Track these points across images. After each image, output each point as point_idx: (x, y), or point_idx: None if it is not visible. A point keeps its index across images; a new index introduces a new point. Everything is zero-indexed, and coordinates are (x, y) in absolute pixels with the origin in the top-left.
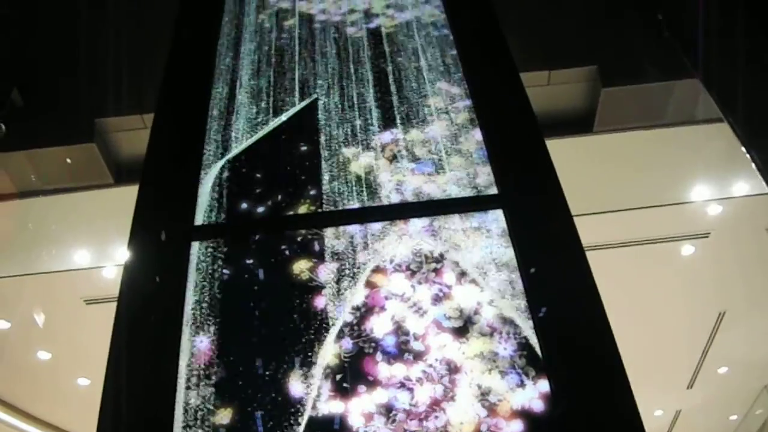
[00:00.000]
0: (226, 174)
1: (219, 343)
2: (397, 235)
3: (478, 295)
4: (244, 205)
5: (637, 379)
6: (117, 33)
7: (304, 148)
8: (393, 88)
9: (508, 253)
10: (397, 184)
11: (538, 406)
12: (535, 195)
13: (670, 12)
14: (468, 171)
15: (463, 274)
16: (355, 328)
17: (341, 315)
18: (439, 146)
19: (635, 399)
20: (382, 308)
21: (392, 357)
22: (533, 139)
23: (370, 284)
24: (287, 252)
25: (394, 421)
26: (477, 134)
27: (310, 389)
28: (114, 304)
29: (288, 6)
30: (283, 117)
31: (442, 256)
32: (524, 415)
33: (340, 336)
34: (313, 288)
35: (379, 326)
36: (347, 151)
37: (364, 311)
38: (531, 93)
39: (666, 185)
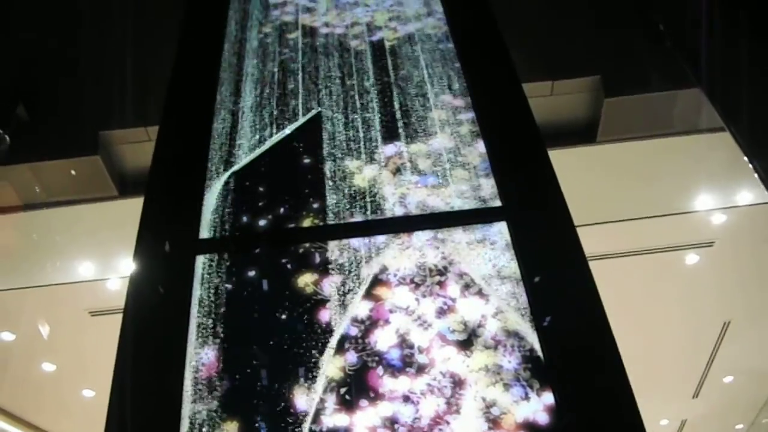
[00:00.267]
0: (230, 187)
1: (224, 355)
2: (401, 248)
3: (482, 308)
4: (249, 219)
5: (642, 388)
6: (121, 46)
7: (307, 161)
8: (396, 101)
9: (512, 266)
10: (401, 196)
11: (542, 418)
12: (539, 207)
13: (671, 22)
14: (471, 183)
15: (467, 286)
16: (360, 341)
17: (345, 328)
18: (443, 159)
19: (639, 409)
20: (387, 321)
21: (397, 370)
22: (536, 151)
23: (374, 297)
24: (291, 265)
25: None
26: (480, 146)
27: (315, 402)
28: (118, 316)
29: (291, 19)
30: (287, 130)
31: (446, 268)
32: (529, 427)
33: (344, 349)
34: (317, 301)
35: (383, 339)
36: (351, 164)
37: (369, 324)
38: (534, 103)
39: (670, 194)
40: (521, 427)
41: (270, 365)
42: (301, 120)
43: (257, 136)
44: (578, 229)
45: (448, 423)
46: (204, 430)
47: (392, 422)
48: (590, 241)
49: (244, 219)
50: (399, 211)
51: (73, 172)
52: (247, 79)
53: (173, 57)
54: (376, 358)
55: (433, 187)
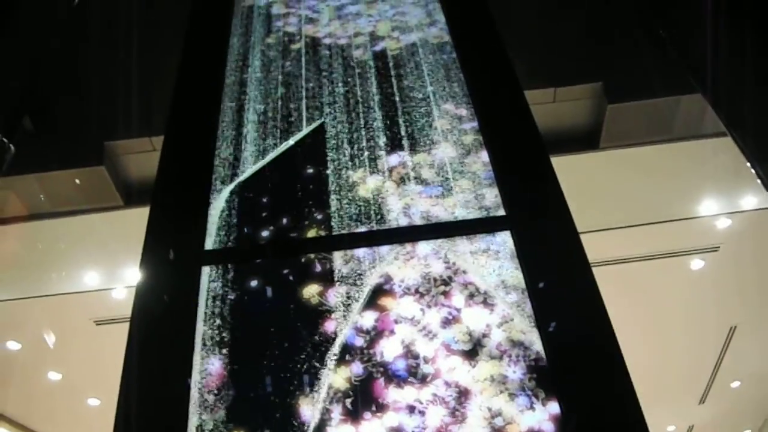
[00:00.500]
0: (235, 198)
1: (230, 365)
2: (405, 258)
3: (487, 318)
4: (254, 229)
5: (649, 395)
6: (125, 56)
7: (312, 172)
8: (399, 111)
9: (517, 275)
10: (405, 206)
11: (548, 428)
12: (543, 216)
13: (672, 28)
14: (475, 193)
15: (471, 296)
16: (365, 351)
17: (350, 338)
18: (446, 168)
19: (645, 416)
20: (392, 332)
21: (402, 380)
22: (540, 160)
23: (379, 307)
24: (297, 276)
25: None
26: (484, 156)
27: (321, 413)
28: (124, 325)
29: (294, 30)
30: (291, 141)
31: (450, 278)
32: None
33: (349, 360)
34: (322, 311)
35: (388, 350)
36: (355, 175)
37: (374, 335)
38: (537, 110)
39: (674, 200)
40: None
41: (275, 375)
42: (305, 131)
43: (261, 147)
44: (582, 236)
45: None
46: None
47: None
48: (595, 247)
49: (249, 230)
50: (403, 221)
51: (78, 181)
52: (251, 89)
53: (177, 67)
54: (382, 369)
55: (437, 197)
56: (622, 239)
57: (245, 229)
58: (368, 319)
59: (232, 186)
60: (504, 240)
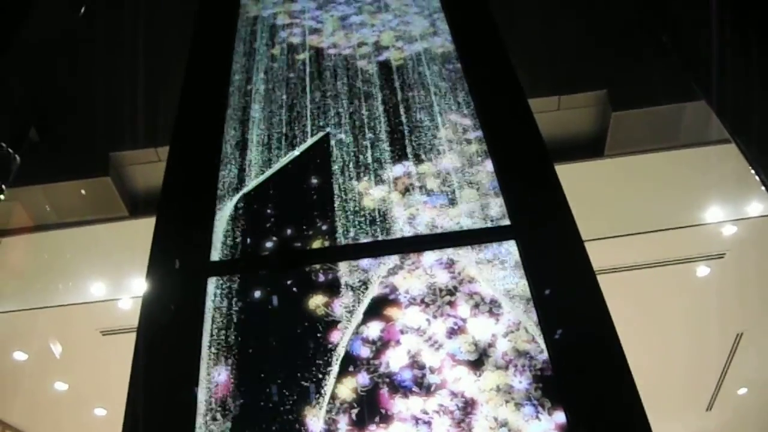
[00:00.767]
0: (240, 209)
1: (236, 375)
2: (411, 268)
3: (492, 327)
4: (259, 240)
5: (655, 402)
6: (131, 68)
7: (316, 183)
8: (404, 121)
9: (522, 284)
10: (410, 216)
11: None
12: (548, 225)
13: (676, 36)
14: (480, 202)
15: (477, 306)
16: (371, 362)
17: (356, 349)
18: (451, 178)
19: (651, 424)
20: (398, 342)
21: (408, 391)
22: (544, 170)
23: (384, 318)
24: (302, 286)
25: None
26: (488, 165)
27: (327, 423)
28: (129, 335)
29: (299, 41)
30: (296, 152)
31: (456, 288)
32: None
33: (355, 370)
34: (327, 322)
35: (394, 360)
36: (360, 185)
37: (380, 345)
38: (541, 118)
39: (679, 207)
40: None
41: (281, 385)
42: (310, 141)
43: (266, 158)
44: (588, 244)
45: None
46: None
47: None
48: (600, 254)
49: (255, 240)
50: (408, 231)
51: (83, 192)
52: (256, 100)
53: (182, 78)
54: (388, 379)
55: (442, 207)
56: (627, 247)
57: (250, 240)
58: (374, 329)
59: (237, 197)
60: (509, 249)
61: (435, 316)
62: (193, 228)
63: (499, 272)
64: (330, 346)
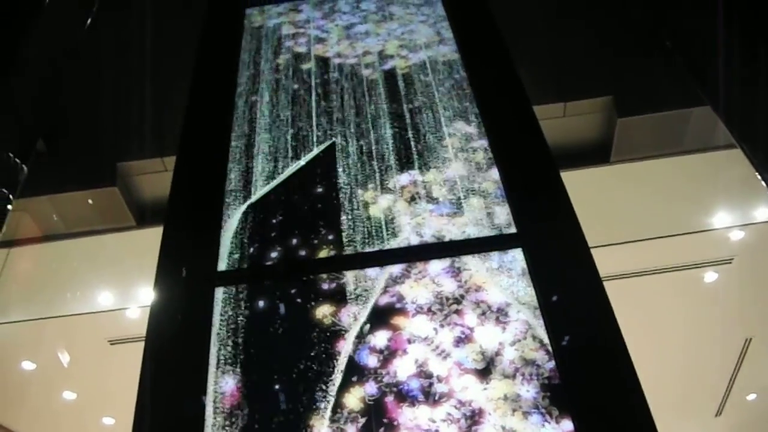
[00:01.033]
0: (247, 219)
1: (244, 384)
2: (417, 277)
3: (499, 336)
4: (266, 250)
5: (664, 408)
6: (137, 78)
7: (322, 192)
8: (409, 129)
9: (529, 292)
10: (416, 225)
11: None
12: (554, 233)
13: (680, 40)
14: (486, 210)
15: (484, 314)
16: (378, 371)
17: (363, 358)
18: (457, 186)
19: (659, 431)
20: (405, 351)
21: (415, 400)
22: (550, 178)
23: (391, 327)
24: (309, 296)
25: None
26: (494, 173)
27: None
28: (137, 345)
29: (304, 50)
30: (302, 161)
31: (462, 297)
32: None
33: (363, 379)
34: (334, 331)
35: (402, 369)
36: (366, 194)
37: (387, 354)
38: (547, 125)
39: (687, 212)
40: None
41: (289, 395)
42: (316, 150)
43: (273, 167)
44: (595, 250)
45: None
46: None
47: None
48: (608, 261)
49: (261, 250)
50: (415, 240)
51: (91, 202)
52: (262, 110)
53: (189, 88)
54: (395, 388)
55: (448, 215)
56: (634, 253)
57: (257, 250)
58: (381, 338)
59: (244, 207)
60: (516, 257)
61: (442, 325)
62: (201, 238)
63: (506, 280)
64: (337, 355)
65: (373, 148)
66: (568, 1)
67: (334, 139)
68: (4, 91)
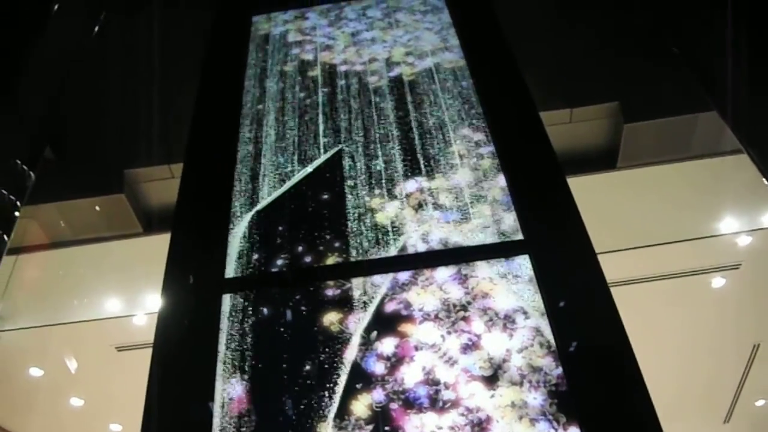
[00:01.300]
0: (254, 226)
1: (251, 391)
2: (425, 284)
3: (507, 343)
4: (273, 257)
5: (672, 415)
6: (145, 85)
7: (330, 199)
8: (416, 136)
9: (536, 298)
10: (423, 232)
11: None
12: (561, 239)
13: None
14: (493, 217)
15: (491, 321)
16: (386, 378)
17: (370, 365)
18: (464, 193)
19: None
20: (412, 358)
21: (422, 407)
22: (557, 184)
23: (399, 334)
24: (316, 302)
25: None
26: (501, 180)
27: None
28: (144, 351)
29: (311, 57)
30: (309, 168)
31: (469, 303)
32: None
33: (370, 386)
34: (342, 338)
35: (409, 376)
36: (373, 201)
37: (394, 361)
38: (554, 131)
39: (694, 218)
40: None
41: (296, 401)
42: (323, 157)
43: (280, 174)
44: (602, 256)
45: None
46: None
47: None
48: (615, 267)
49: (269, 257)
50: (421, 247)
51: (98, 209)
52: (269, 116)
53: (196, 95)
54: (402, 395)
55: (455, 222)
56: (641, 259)
57: (264, 257)
58: (388, 345)
59: (251, 213)
60: (522, 264)
61: (449, 332)
62: (208, 244)
63: (513, 287)
64: (344, 362)
65: (380, 154)
66: (574, 7)
67: (340, 146)
68: (11, 99)
